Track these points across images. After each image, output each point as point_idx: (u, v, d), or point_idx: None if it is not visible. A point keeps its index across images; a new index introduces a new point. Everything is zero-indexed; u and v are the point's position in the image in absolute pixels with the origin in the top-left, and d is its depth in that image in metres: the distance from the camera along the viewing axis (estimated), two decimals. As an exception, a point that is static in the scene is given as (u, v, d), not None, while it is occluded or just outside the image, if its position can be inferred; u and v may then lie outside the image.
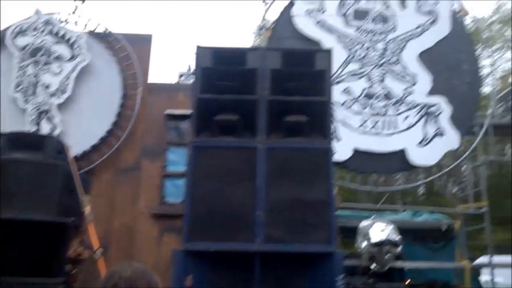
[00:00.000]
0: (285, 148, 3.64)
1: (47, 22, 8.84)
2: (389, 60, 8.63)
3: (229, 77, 3.65)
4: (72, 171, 4.29)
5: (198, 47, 3.68)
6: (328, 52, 3.82)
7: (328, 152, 3.67)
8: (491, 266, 8.35)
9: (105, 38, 9.00)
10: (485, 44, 14.07)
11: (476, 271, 8.68)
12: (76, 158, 8.01)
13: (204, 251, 3.41)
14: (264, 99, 3.65)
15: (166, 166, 8.34)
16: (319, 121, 3.72)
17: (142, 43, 8.98)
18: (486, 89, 13.26)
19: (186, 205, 3.52)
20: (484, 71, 9.71)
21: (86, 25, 9.10)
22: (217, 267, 3.45)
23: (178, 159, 8.19)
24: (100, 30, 9.07)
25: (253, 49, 3.85)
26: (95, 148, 8.42)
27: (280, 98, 3.67)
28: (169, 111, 8.46)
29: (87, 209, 4.37)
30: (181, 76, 10.12)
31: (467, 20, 9.75)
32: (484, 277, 9.41)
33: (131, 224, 8.05)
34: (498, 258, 9.50)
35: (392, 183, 9.32)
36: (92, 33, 9.02)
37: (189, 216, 3.48)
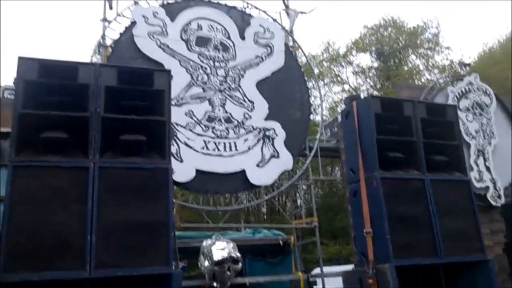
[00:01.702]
0: (120, 168, 3.49)
1: None
2: (229, 86, 9.08)
3: (58, 93, 3.38)
4: None
5: (21, 58, 3.33)
6: (166, 73, 3.82)
7: (167, 171, 3.63)
8: (322, 276, 9.15)
9: None
10: (316, 78, 15.81)
11: (311, 282, 9.41)
12: None
13: (25, 282, 3.05)
14: (98, 116, 3.46)
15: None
16: (158, 141, 3.67)
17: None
18: (316, 117, 14.84)
19: (3, 233, 3.12)
20: (315, 102, 10.86)
21: None
22: (42, 300, 3.11)
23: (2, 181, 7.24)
24: None
25: (85, 64, 3.62)
26: None
27: (115, 116, 3.53)
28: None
29: None
30: (5, 90, 9.07)
31: (299, 54, 10.81)
32: (318, 286, 10.28)
33: None
34: (329, 269, 10.52)
35: (234, 202, 9.66)
36: None
37: (6, 244, 3.09)
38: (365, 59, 29.58)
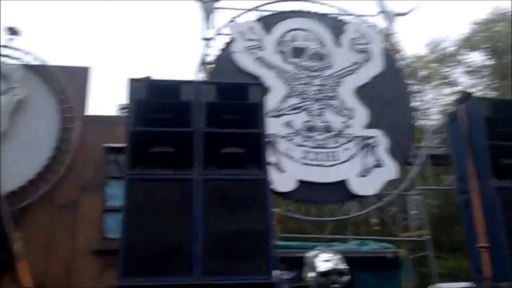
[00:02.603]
0: (221, 179, 3.66)
1: None
2: (327, 95, 9.00)
3: (164, 110, 3.66)
4: (1, 207, 4.07)
5: (131, 80, 3.68)
6: (260, 86, 3.94)
7: (265, 182, 3.72)
8: (437, 292, 8.58)
9: (41, 71, 8.78)
10: (422, 80, 14.94)
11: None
12: (12, 194, 7.63)
13: (141, 286, 3.31)
14: (200, 131, 3.67)
15: (106, 201, 8.10)
16: (255, 153, 3.78)
17: (79, 75, 8.84)
18: (424, 122, 14.03)
19: (121, 240, 3.43)
20: (422, 105, 10.31)
21: (22, 57, 8.86)
22: (155, 302, 3.35)
23: (118, 193, 7.95)
24: (37, 62, 8.85)
25: (187, 82, 3.89)
26: (31, 183, 8.07)
27: (215, 130, 3.71)
28: (108, 144, 8.28)
29: (17, 246, 4.13)
30: (121, 108, 9.97)
31: (401, 57, 10.35)
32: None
33: (70, 262, 7.69)
34: (447, 285, 9.81)
35: (337, 213, 9.48)
36: (28, 66, 8.78)
37: (124, 251, 3.40)
38: (477, 58, 27.18)
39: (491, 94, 23.47)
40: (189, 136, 3.66)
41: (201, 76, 8.74)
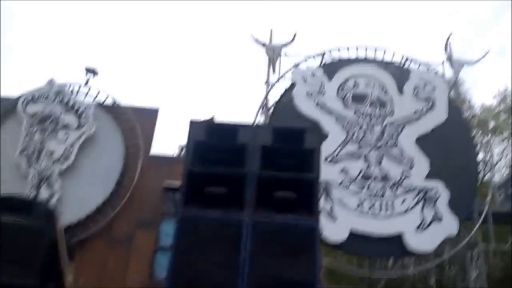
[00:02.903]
0: (272, 224, 3.62)
1: (59, 92, 9.25)
2: (386, 143, 8.80)
3: (220, 151, 3.74)
4: (58, 237, 4.26)
5: (192, 121, 3.82)
6: (317, 131, 3.94)
7: (315, 230, 3.64)
8: None
9: (112, 110, 9.34)
10: (490, 132, 14.24)
11: None
12: (71, 225, 7.98)
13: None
14: (254, 173, 3.69)
15: (159, 238, 8.26)
16: (307, 199, 3.72)
17: (148, 115, 9.31)
18: (490, 176, 13.25)
19: (168, 279, 3.46)
20: (488, 159, 9.76)
21: (96, 96, 9.50)
22: None
23: (172, 231, 8.10)
24: (109, 101, 9.45)
25: (244, 125, 3.99)
26: (90, 216, 8.40)
27: (269, 174, 3.72)
28: (167, 182, 8.53)
29: (69, 277, 4.27)
30: (182, 148, 10.31)
31: (467, 107, 10.03)
32: None
33: (119, 296, 7.82)
34: None
35: (391, 267, 9.04)
36: (101, 105, 9.39)
37: (171, 289, 3.41)
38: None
39: None
40: (242, 178, 3.68)
41: (261, 119, 8.89)
